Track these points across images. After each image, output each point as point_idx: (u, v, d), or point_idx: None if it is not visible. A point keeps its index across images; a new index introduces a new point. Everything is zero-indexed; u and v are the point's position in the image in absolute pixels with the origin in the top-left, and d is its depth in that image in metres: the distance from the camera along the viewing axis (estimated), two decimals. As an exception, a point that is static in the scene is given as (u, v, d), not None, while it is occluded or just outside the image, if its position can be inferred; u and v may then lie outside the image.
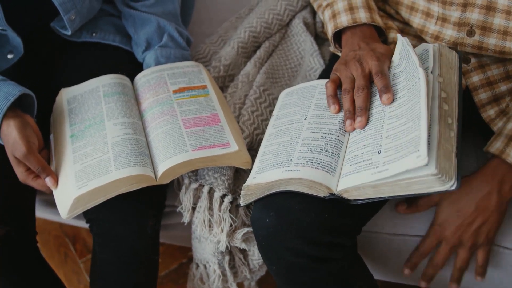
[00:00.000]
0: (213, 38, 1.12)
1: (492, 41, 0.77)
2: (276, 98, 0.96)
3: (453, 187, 0.59)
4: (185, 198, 0.86)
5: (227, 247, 0.85)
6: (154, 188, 0.78)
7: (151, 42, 0.96)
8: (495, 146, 0.76)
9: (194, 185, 0.85)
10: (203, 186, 0.85)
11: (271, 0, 1.13)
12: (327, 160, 0.70)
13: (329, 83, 0.77)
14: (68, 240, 1.37)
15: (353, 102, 0.73)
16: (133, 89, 0.92)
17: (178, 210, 0.88)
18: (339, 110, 0.76)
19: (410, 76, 0.68)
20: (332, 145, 0.72)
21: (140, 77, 0.92)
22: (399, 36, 0.75)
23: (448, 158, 0.61)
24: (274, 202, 0.72)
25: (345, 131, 0.74)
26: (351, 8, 0.83)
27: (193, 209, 0.87)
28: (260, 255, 0.86)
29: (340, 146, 0.72)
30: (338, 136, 0.73)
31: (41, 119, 0.84)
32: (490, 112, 0.81)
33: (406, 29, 0.89)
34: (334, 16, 0.85)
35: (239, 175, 0.88)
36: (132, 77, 0.94)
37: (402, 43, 0.73)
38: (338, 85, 0.77)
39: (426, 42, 0.85)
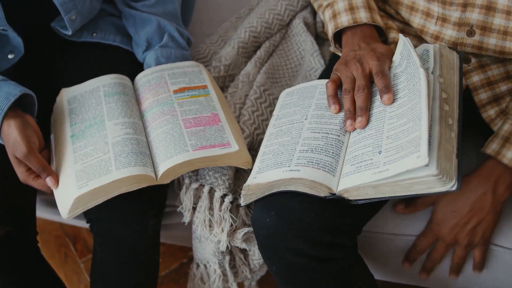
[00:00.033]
0: (214, 38, 1.12)
1: (492, 41, 0.77)
2: (277, 98, 0.97)
3: (454, 188, 0.59)
4: (186, 198, 0.86)
5: (227, 247, 0.85)
6: (154, 188, 0.78)
7: (152, 42, 0.96)
8: (491, 147, 0.76)
9: (195, 185, 0.85)
10: (204, 186, 0.85)
11: (272, 0, 1.13)
12: (328, 160, 0.70)
13: (330, 83, 0.77)
14: (69, 240, 1.37)
15: (353, 102, 0.73)
16: (133, 89, 0.92)
17: (179, 210, 0.88)
18: (340, 110, 0.76)
19: (411, 76, 0.68)
20: (332, 145, 0.72)
21: (140, 77, 0.92)
22: (400, 36, 0.75)
23: (449, 158, 0.61)
24: (274, 202, 0.72)
25: (346, 131, 0.74)
26: (351, 8, 0.83)
27: (194, 209, 0.87)
28: (260, 255, 0.86)
29: (341, 146, 0.72)
30: (339, 136, 0.73)
31: (41, 119, 0.84)
32: (490, 112, 0.81)
33: (406, 29, 0.89)
34: (334, 16, 0.85)
35: (239, 175, 0.88)
36: (132, 77, 0.94)
37: (404, 43, 0.73)
38: (338, 85, 0.77)
39: (426, 42, 0.85)
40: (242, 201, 0.77)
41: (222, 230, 0.83)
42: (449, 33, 0.80)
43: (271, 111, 0.95)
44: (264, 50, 1.07)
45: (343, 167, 0.70)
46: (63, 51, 0.97)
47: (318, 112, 0.78)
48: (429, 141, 0.60)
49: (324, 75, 0.94)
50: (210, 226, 0.84)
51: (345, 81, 0.75)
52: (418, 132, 0.61)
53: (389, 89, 0.70)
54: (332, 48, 0.91)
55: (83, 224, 0.90)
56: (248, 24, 1.09)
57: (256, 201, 0.76)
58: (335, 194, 0.68)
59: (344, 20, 0.83)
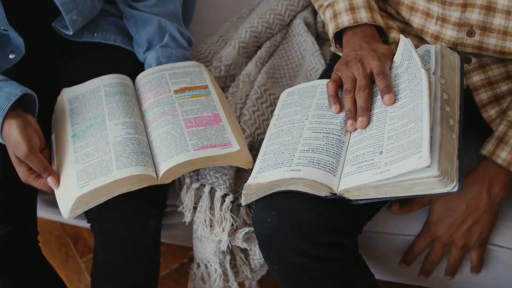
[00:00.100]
0: (214, 38, 1.12)
1: (492, 41, 0.77)
2: (277, 98, 0.97)
3: (455, 189, 0.60)
4: (187, 198, 0.86)
5: (228, 246, 0.85)
6: (155, 187, 0.78)
7: (152, 42, 0.96)
8: (487, 148, 0.77)
9: (196, 185, 0.86)
10: (205, 185, 0.85)
11: (272, 0, 1.13)
12: (329, 160, 0.70)
13: (330, 83, 0.77)
14: (69, 240, 1.38)
15: (354, 102, 0.73)
16: (134, 89, 0.92)
17: (180, 209, 0.88)
18: (340, 110, 0.76)
19: (412, 77, 0.68)
20: (333, 145, 0.72)
21: (141, 77, 0.92)
22: (401, 36, 0.75)
23: (450, 160, 0.61)
24: (275, 201, 0.72)
25: (347, 131, 0.74)
26: (352, 8, 0.83)
27: (194, 208, 0.87)
28: (261, 254, 0.86)
29: (341, 146, 0.72)
30: (339, 136, 0.73)
31: (42, 119, 0.84)
32: (490, 112, 0.81)
33: (406, 29, 0.89)
34: (335, 16, 0.85)
35: (240, 175, 0.88)
36: (133, 77, 0.94)
37: (405, 44, 0.73)
38: (339, 85, 0.77)
39: (426, 42, 0.85)
40: (243, 201, 0.77)
41: (223, 230, 0.83)
42: (449, 33, 0.80)
43: (272, 111, 0.95)
44: (265, 50, 1.07)
45: (344, 167, 0.70)
46: (63, 51, 0.97)
47: (319, 112, 0.78)
48: (430, 142, 0.60)
49: (325, 75, 0.94)
50: (211, 225, 0.84)
51: (346, 81, 0.75)
52: (419, 133, 0.61)
53: (390, 89, 0.70)
54: (332, 48, 0.91)
55: (84, 224, 0.90)
56: (249, 24, 1.09)
57: (257, 201, 0.76)
58: (336, 194, 0.68)
59: (345, 20, 0.83)
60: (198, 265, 0.96)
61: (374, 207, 0.80)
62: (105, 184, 0.73)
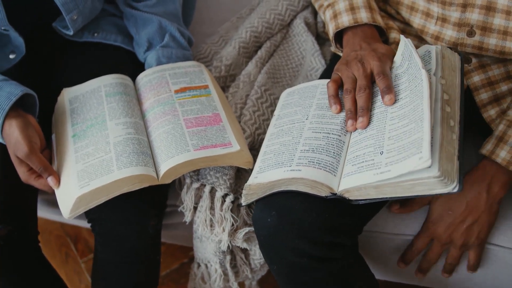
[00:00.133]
0: (214, 38, 1.12)
1: (492, 41, 0.77)
2: (278, 98, 0.97)
3: (455, 190, 0.60)
4: (187, 198, 0.86)
5: (228, 246, 0.85)
6: (155, 187, 0.78)
7: (153, 42, 0.96)
8: (486, 147, 0.77)
9: (196, 185, 0.86)
10: (205, 185, 0.85)
11: (272, 0, 1.13)
12: (329, 160, 0.71)
13: (331, 83, 0.77)
14: (70, 240, 1.38)
15: (354, 102, 0.73)
16: (134, 89, 0.92)
17: (180, 209, 0.88)
18: (341, 110, 0.76)
19: (413, 77, 0.68)
20: (333, 145, 0.72)
21: (141, 77, 0.92)
22: (402, 37, 0.75)
23: (450, 160, 0.61)
24: (275, 201, 0.73)
25: (347, 131, 0.74)
26: (352, 8, 0.83)
27: (195, 208, 0.87)
28: (261, 254, 0.86)
29: (342, 146, 0.72)
30: (340, 136, 0.73)
31: (42, 119, 0.84)
32: (491, 112, 0.81)
33: (406, 29, 0.89)
34: (335, 16, 0.85)
35: (240, 175, 0.88)
36: (133, 77, 0.94)
37: (405, 44, 0.73)
38: (339, 85, 0.77)
39: (426, 42, 0.85)
40: (243, 201, 0.77)
41: (223, 230, 0.83)
42: (449, 33, 0.80)
43: (272, 111, 0.95)
44: (265, 50, 1.07)
45: (344, 167, 0.70)
46: (63, 51, 0.97)
47: (319, 112, 0.78)
48: (431, 143, 0.60)
49: (325, 75, 0.94)
50: (211, 225, 0.84)
51: (346, 81, 0.75)
52: (420, 134, 0.61)
53: (390, 90, 0.70)
54: (333, 48, 0.91)
55: (84, 224, 0.90)
56: (249, 24, 1.09)
57: (257, 201, 0.76)
58: (336, 194, 0.68)
59: (345, 20, 0.83)
60: (199, 265, 0.96)
61: (374, 207, 0.80)
62: (106, 184, 0.73)
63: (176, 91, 0.88)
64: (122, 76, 0.91)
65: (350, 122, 0.72)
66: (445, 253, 0.84)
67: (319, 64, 1.03)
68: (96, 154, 0.77)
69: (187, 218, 0.87)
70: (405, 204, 0.83)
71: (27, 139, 0.74)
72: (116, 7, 1.01)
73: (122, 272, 0.84)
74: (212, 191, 0.85)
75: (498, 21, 0.76)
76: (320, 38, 1.13)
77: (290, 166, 0.71)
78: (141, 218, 0.82)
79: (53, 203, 0.99)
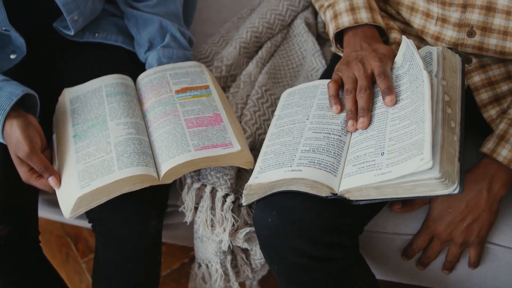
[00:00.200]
0: (215, 38, 1.12)
1: (492, 42, 0.77)
2: (278, 98, 0.97)
3: (456, 191, 0.60)
4: (188, 198, 0.86)
5: (229, 246, 0.85)
6: (156, 188, 0.78)
7: (154, 42, 0.96)
8: (487, 146, 0.77)
9: (197, 185, 0.86)
10: (206, 185, 0.85)
11: (273, 0, 1.13)
12: (329, 160, 0.71)
13: (331, 83, 0.77)
14: (70, 240, 1.38)
15: (355, 102, 0.73)
16: (135, 89, 0.92)
17: (181, 209, 0.88)
18: (341, 110, 0.76)
19: (414, 78, 0.68)
20: (334, 145, 0.72)
21: (142, 77, 0.93)
22: (404, 37, 0.75)
23: (451, 162, 0.61)
24: (276, 201, 0.73)
25: (347, 131, 0.74)
26: (352, 9, 0.83)
27: (196, 208, 0.87)
28: (262, 254, 0.87)
29: (342, 146, 0.72)
30: (340, 136, 0.73)
31: (42, 119, 0.84)
32: (491, 112, 0.81)
33: (407, 29, 0.89)
34: (335, 16, 0.85)
35: (241, 175, 0.88)
36: (134, 77, 0.94)
37: (407, 45, 0.73)
38: (340, 85, 0.77)
39: (427, 42, 0.85)
40: (244, 201, 0.77)
41: (224, 230, 0.83)
42: (450, 33, 0.80)
43: (273, 111, 0.95)
44: (266, 50, 1.07)
45: (345, 168, 0.70)
46: (63, 51, 0.97)
47: (319, 112, 0.78)
48: (432, 144, 0.60)
49: (326, 75, 0.94)
50: (212, 225, 0.84)
51: (347, 81, 0.75)
52: (421, 135, 0.61)
53: (391, 90, 0.70)
54: (333, 49, 0.91)
55: (85, 224, 0.90)
56: (249, 24, 1.09)
57: (257, 201, 0.76)
58: (336, 194, 0.68)
59: (345, 20, 0.83)
60: (199, 265, 0.96)
61: (375, 207, 0.80)
62: (107, 184, 0.73)
63: (177, 91, 0.88)
64: (123, 76, 0.91)
65: (350, 122, 0.73)
66: (445, 250, 0.84)
67: (320, 64, 1.03)
68: (97, 154, 0.77)
69: (188, 218, 0.87)
70: (406, 203, 0.83)
71: (28, 139, 0.74)
72: (117, 7, 1.01)
73: (123, 272, 0.84)
74: (213, 191, 0.85)
75: (498, 21, 0.76)
76: (321, 38, 1.13)
77: (290, 166, 0.72)
78: (142, 218, 0.82)
79: (53, 203, 1.00)
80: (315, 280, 0.72)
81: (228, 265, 0.91)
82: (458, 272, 0.86)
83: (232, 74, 1.04)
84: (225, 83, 1.03)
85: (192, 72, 0.93)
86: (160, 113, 0.84)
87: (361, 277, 0.77)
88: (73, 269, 1.31)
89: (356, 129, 0.73)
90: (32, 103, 0.81)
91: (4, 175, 0.82)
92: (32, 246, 0.85)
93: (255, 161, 0.80)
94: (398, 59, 0.75)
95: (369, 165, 0.65)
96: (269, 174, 0.73)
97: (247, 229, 0.83)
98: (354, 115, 0.72)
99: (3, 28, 0.84)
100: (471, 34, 0.78)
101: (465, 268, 0.85)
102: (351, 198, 0.68)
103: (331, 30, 0.86)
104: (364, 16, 0.82)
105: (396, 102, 0.69)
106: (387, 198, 0.65)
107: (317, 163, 0.70)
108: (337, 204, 0.70)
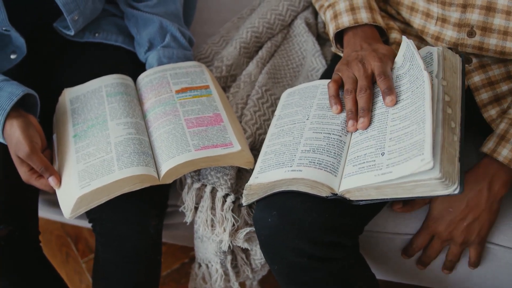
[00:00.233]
0: (215, 38, 1.12)
1: (492, 42, 0.77)
2: (278, 98, 0.97)
3: (456, 191, 0.60)
4: (188, 198, 0.86)
5: (229, 246, 0.85)
6: (156, 188, 0.78)
7: (154, 42, 0.96)
8: (488, 145, 0.77)
9: (197, 185, 0.86)
10: (206, 185, 0.85)
11: (273, 0, 1.13)
12: (330, 160, 0.71)
13: (331, 83, 0.77)
14: (70, 240, 1.38)
15: (355, 102, 0.73)
16: (135, 89, 0.92)
17: (181, 209, 0.88)
18: (341, 110, 0.76)
19: (414, 78, 0.68)
20: (334, 145, 0.72)
21: (142, 77, 0.93)
22: (404, 38, 0.75)
23: (452, 162, 0.61)
24: (276, 201, 0.73)
25: (348, 131, 0.74)
26: (352, 9, 0.83)
27: (196, 208, 0.87)
28: (262, 254, 0.87)
29: (342, 147, 0.72)
30: (340, 136, 0.73)
31: (43, 119, 0.84)
32: (491, 112, 0.81)
33: (407, 29, 0.89)
34: (335, 16, 0.85)
35: (241, 175, 0.88)
36: (134, 77, 0.94)
37: (407, 45, 0.73)
38: (340, 86, 0.77)
39: (427, 42, 0.85)
40: (244, 201, 0.77)
41: (224, 230, 0.83)
42: (450, 33, 0.80)
43: (273, 111, 0.95)
44: (266, 50, 1.07)
45: (345, 168, 0.70)
46: (63, 51, 0.97)
47: (319, 112, 0.78)
48: (432, 145, 0.60)
49: (326, 75, 0.94)
50: (212, 225, 0.84)
51: (347, 81, 0.75)
52: (421, 135, 0.61)
53: (392, 90, 0.70)
54: (333, 49, 0.91)
55: (85, 224, 0.90)
56: (250, 24, 1.10)
57: (258, 201, 0.76)
58: (336, 194, 0.68)
59: (345, 20, 0.83)
60: (199, 265, 0.96)
61: (375, 207, 0.80)
62: (107, 184, 0.73)
63: (177, 91, 0.88)
64: (123, 76, 0.91)
65: (351, 122, 0.73)
66: (445, 249, 0.84)
67: (320, 65, 1.03)
68: (97, 154, 0.77)
69: (188, 218, 0.87)
70: (407, 203, 0.83)
71: (28, 139, 0.74)
72: (117, 7, 1.01)
73: (123, 272, 0.84)
74: (213, 191, 0.85)
75: (498, 21, 0.76)
76: (321, 38, 1.13)
77: (290, 166, 0.72)
78: (142, 218, 0.82)
79: (54, 203, 1.00)
80: (315, 280, 0.72)
81: (228, 265, 0.91)
82: (458, 272, 0.86)
83: (232, 74, 1.04)
84: (225, 83, 1.03)
85: (192, 72, 0.93)
86: (160, 113, 0.84)
87: (361, 277, 0.77)
88: (73, 269, 1.31)
89: (356, 129, 0.73)
90: (32, 103, 0.81)
91: (4, 175, 0.82)
92: (32, 246, 0.85)
93: (255, 161, 0.80)
94: (398, 59, 0.75)
95: (370, 165, 0.65)
96: (269, 174, 0.73)
97: (247, 229, 0.83)
98: (354, 115, 0.72)
99: (3, 28, 0.84)
100: (471, 34, 0.78)
101: (465, 268, 0.85)
102: (351, 198, 0.68)
103: (331, 30, 0.86)
104: (364, 16, 0.82)
105: (396, 102, 0.69)
106: (387, 198, 0.65)
107: (317, 163, 0.70)
108: (337, 204, 0.70)
